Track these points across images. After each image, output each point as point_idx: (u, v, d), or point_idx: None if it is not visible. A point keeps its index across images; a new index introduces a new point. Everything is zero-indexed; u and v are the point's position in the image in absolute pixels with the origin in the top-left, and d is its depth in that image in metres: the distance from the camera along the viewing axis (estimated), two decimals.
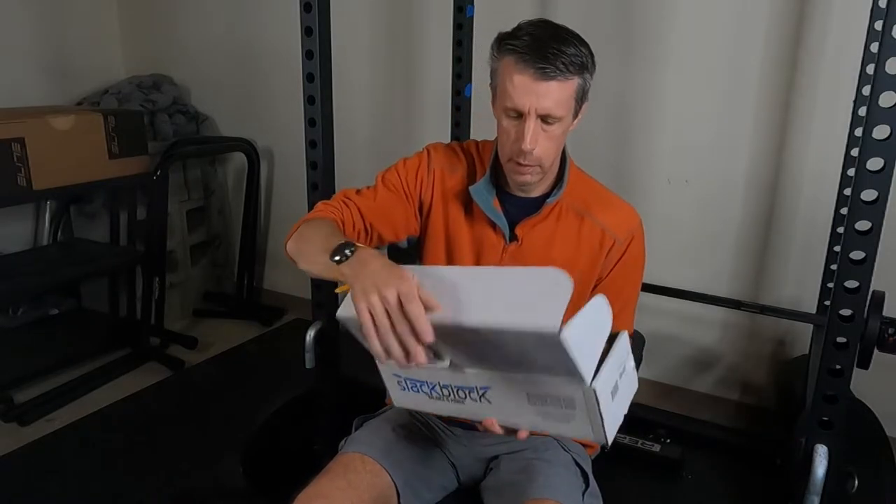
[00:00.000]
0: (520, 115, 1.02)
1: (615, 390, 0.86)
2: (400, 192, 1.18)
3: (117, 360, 2.49)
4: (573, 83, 1.01)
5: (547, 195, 1.15)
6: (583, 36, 1.05)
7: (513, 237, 1.15)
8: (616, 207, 1.17)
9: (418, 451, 1.17)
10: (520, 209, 1.15)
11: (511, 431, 0.93)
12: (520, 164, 1.07)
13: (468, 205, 1.17)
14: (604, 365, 0.83)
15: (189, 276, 2.94)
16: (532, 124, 1.01)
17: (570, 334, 0.75)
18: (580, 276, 1.14)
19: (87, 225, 2.77)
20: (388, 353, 0.80)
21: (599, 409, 0.82)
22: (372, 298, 0.79)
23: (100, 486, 1.84)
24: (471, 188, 1.14)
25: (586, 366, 0.79)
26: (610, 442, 0.86)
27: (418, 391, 0.97)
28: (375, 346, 0.81)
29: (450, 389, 0.93)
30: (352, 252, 0.88)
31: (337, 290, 0.93)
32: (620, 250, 1.15)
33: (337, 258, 0.89)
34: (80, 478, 1.87)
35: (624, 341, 0.90)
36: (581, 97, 1.05)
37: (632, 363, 0.92)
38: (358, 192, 1.18)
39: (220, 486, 1.78)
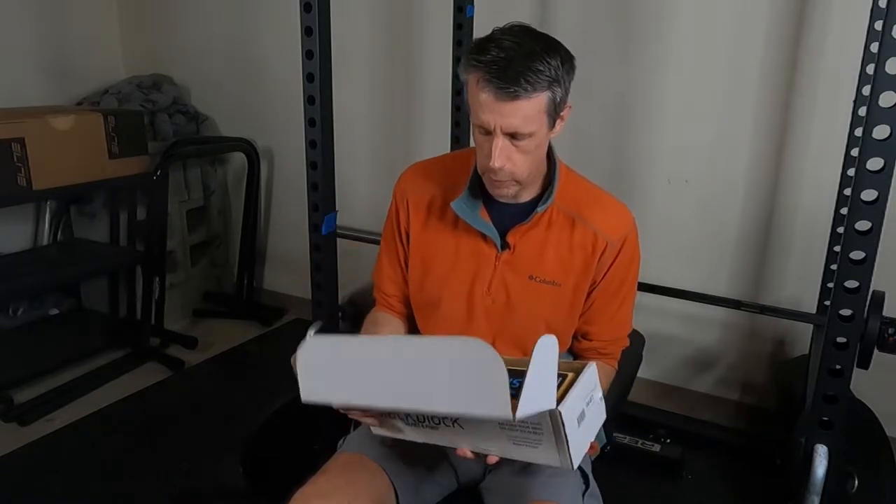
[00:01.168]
0: (489, 132, 1.01)
1: (581, 417, 0.88)
2: (396, 246, 1.24)
3: (117, 360, 2.49)
4: (541, 99, 0.98)
5: (536, 200, 1.14)
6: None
7: (505, 245, 1.14)
8: (608, 208, 1.16)
9: (417, 451, 1.17)
10: (509, 216, 1.14)
11: (483, 456, 0.95)
12: (493, 179, 1.07)
13: (455, 219, 1.16)
14: (570, 392, 0.85)
15: (189, 276, 2.93)
16: (499, 142, 1.00)
17: (524, 409, 0.79)
18: (575, 280, 1.14)
19: (87, 225, 2.76)
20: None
21: (565, 433, 0.84)
22: None
23: (100, 486, 1.84)
24: (452, 204, 1.13)
25: (544, 403, 0.82)
26: (575, 466, 0.88)
27: (394, 418, 0.99)
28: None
29: (424, 416, 0.95)
30: None
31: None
32: (614, 253, 1.14)
33: None
34: (80, 478, 1.87)
35: (592, 372, 0.91)
36: (555, 109, 1.02)
37: (600, 394, 0.93)
38: (381, 277, 1.28)
39: (220, 486, 1.79)
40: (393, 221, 1.25)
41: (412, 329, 1.28)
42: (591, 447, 1.22)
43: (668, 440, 1.94)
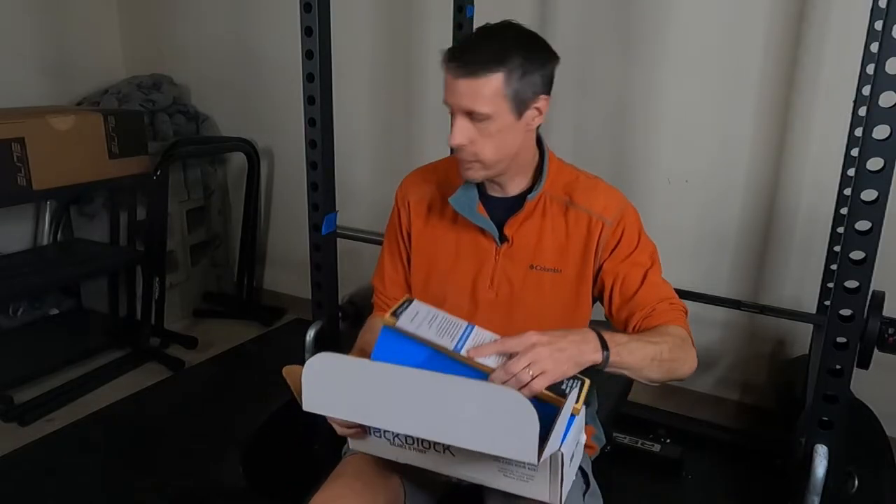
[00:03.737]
0: (454, 114, 1.05)
1: (573, 457, 0.91)
2: (399, 248, 1.26)
3: (117, 360, 2.49)
4: (495, 80, 1.00)
5: (527, 192, 1.15)
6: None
7: (503, 238, 1.15)
8: (599, 192, 1.16)
9: None
10: (504, 210, 1.15)
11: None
12: (458, 159, 1.09)
13: (454, 217, 1.18)
14: (569, 433, 0.88)
15: (189, 276, 2.93)
16: (458, 121, 1.04)
17: (546, 454, 0.80)
18: (575, 266, 1.14)
19: (87, 225, 2.76)
20: None
21: (562, 472, 0.86)
22: None
23: (100, 486, 1.84)
24: (450, 199, 1.15)
25: (555, 445, 0.84)
26: (562, 503, 0.89)
27: (380, 436, 0.99)
28: None
29: (413, 439, 0.95)
30: None
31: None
32: (616, 232, 1.13)
33: None
34: (80, 478, 1.87)
35: (582, 416, 0.93)
36: (515, 95, 1.02)
37: (584, 438, 0.96)
38: (382, 280, 1.29)
39: (220, 486, 1.78)
40: (395, 225, 1.27)
41: None
42: (590, 447, 1.23)
43: (668, 440, 1.94)
